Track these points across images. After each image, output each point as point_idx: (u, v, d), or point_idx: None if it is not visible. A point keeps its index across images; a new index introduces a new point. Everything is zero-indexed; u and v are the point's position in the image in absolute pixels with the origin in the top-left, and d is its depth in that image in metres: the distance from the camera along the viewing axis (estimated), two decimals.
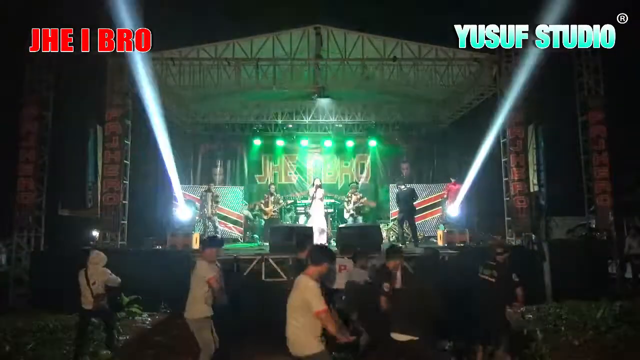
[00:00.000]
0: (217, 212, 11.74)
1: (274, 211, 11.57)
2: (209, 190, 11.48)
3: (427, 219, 13.07)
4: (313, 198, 10.61)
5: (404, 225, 10.82)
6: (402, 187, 10.53)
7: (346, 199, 11.91)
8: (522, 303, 5.03)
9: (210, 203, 11.24)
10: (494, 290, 4.86)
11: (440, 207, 12.56)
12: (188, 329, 5.32)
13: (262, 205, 11.84)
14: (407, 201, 10.20)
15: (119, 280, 5.78)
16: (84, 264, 5.63)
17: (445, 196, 12.18)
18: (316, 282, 3.70)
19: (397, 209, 11.13)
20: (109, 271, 5.69)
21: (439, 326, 4.59)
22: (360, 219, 11.73)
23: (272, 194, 11.82)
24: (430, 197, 13.16)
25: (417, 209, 12.29)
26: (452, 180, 11.98)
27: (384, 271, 4.87)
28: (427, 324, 4.28)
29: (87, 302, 5.53)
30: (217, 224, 11.47)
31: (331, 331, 3.59)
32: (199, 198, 11.77)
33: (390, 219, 12.76)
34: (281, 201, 12.05)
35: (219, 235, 11.32)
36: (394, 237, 11.96)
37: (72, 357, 5.54)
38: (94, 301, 5.46)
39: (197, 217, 11.69)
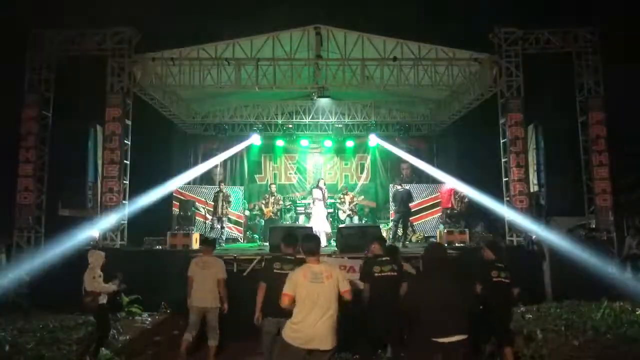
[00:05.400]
0: (228, 214, 11.60)
1: (273, 212, 11.54)
2: (220, 190, 11.42)
3: (427, 219, 13.06)
4: (317, 199, 10.60)
5: (399, 225, 10.79)
6: (399, 187, 10.53)
7: (339, 201, 11.94)
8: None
9: (221, 203, 11.18)
10: (509, 291, 4.90)
11: (441, 207, 12.56)
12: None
13: (262, 205, 11.81)
14: (403, 202, 10.19)
15: (107, 288, 5.36)
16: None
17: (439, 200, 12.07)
18: None
19: (394, 209, 11.10)
20: (99, 274, 5.33)
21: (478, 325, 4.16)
22: (355, 219, 11.74)
23: (272, 194, 11.81)
24: (430, 197, 13.14)
25: (416, 209, 12.35)
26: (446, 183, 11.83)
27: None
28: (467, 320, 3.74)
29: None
30: (224, 224, 11.37)
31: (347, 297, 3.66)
32: (202, 199, 11.75)
33: (390, 219, 12.75)
34: (281, 201, 12.04)
35: (223, 237, 11.32)
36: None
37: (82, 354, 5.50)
38: (83, 298, 5.34)
39: (199, 217, 11.67)
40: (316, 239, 4.01)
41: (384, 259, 5.00)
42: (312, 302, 3.53)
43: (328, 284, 3.59)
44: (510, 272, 4.91)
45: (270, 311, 4.39)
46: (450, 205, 11.49)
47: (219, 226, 11.19)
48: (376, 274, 4.85)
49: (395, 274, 4.84)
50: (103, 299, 5.39)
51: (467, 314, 3.68)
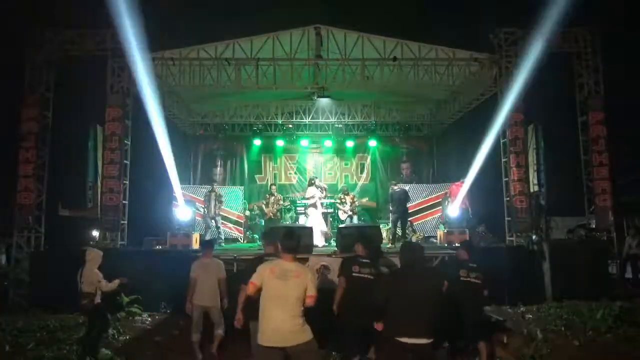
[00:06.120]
0: (221, 212, 11.62)
1: (273, 212, 11.53)
2: (212, 190, 11.45)
3: (427, 219, 13.05)
4: (312, 197, 10.59)
5: (397, 225, 10.76)
6: (396, 187, 10.53)
7: (339, 201, 11.91)
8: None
9: (213, 203, 11.20)
10: (479, 291, 5.08)
11: (441, 207, 12.50)
12: (189, 329, 5.69)
13: (262, 206, 11.81)
14: (400, 202, 10.19)
15: (112, 286, 5.39)
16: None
17: (447, 195, 11.98)
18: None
19: (391, 209, 11.06)
20: (101, 275, 5.34)
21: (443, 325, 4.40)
22: (355, 219, 11.74)
23: (272, 194, 11.80)
24: (430, 197, 13.13)
25: (416, 209, 12.32)
26: (460, 181, 11.59)
27: None
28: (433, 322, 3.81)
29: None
30: (219, 224, 11.40)
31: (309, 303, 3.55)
32: (201, 199, 11.75)
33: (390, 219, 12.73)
34: (281, 201, 12.03)
35: (222, 237, 11.32)
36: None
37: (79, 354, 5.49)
38: (80, 299, 5.33)
39: (199, 217, 11.65)
40: (297, 237, 3.82)
41: (364, 260, 5.08)
42: (277, 299, 3.47)
43: (294, 282, 3.49)
44: (482, 274, 5.09)
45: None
46: (465, 206, 11.02)
47: (213, 225, 11.22)
48: (354, 274, 4.97)
49: (372, 277, 4.91)
50: (98, 299, 5.36)
51: (436, 315, 3.69)
